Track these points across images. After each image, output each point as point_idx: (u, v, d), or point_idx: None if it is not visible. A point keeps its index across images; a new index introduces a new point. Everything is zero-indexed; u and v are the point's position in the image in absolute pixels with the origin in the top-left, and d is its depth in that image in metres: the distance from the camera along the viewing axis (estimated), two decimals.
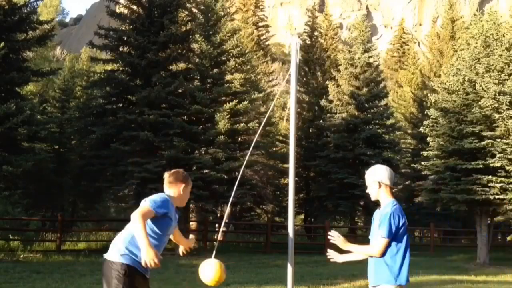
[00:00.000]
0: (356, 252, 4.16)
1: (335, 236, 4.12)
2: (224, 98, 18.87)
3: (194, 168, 18.16)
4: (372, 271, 4.09)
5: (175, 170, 4.28)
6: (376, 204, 4.40)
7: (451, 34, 33.66)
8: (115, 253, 3.86)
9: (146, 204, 3.82)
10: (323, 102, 26.02)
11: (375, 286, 4.08)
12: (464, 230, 25.38)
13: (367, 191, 4.25)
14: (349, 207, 24.57)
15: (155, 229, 3.91)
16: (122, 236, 3.92)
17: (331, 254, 4.28)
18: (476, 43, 19.58)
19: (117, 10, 20.77)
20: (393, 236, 3.97)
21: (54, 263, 14.18)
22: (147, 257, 3.56)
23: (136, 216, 3.67)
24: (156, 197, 3.92)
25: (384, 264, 3.99)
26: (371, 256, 4.06)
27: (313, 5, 46.63)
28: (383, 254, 3.97)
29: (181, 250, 4.22)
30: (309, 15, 33.63)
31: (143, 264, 3.64)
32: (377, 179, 4.15)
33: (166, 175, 4.23)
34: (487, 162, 17.68)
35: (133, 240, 3.80)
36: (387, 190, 4.17)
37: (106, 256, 3.92)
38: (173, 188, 4.13)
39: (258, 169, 23.18)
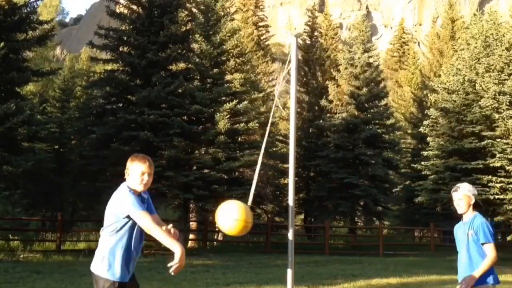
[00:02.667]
0: (483, 269, 4.60)
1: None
2: (224, 98, 18.86)
3: (194, 168, 18.17)
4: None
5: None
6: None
7: (451, 34, 33.67)
8: (103, 268, 3.77)
9: (137, 210, 3.68)
10: (323, 102, 26.03)
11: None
12: None
13: (455, 204, 4.68)
14: (349, 207, 24.58)
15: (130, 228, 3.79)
16: (109, 249, 3.78)
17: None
18: (476, 43, 19.60)
19: (117, 10, 20.76)
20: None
21: (54, 263, 14.17)
22: (183, 260, 3.57)
23: (149, 224, 3.64)
24: (126, 200, 3.72)
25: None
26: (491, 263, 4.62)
27: (313, 5, 46.59)
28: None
29: (172, 269, 3.67)
30: (309, 15, 33.61)
31: (174, 268, 3.57)
32: (469, 194, 4.62)
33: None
34: (487, 162, 17.70)
35: (118, 252, 3.74)
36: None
37: (93, 269, 3.84)
38: (126, 175, 3.93)
39: None
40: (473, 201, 4.59)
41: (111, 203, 3.80)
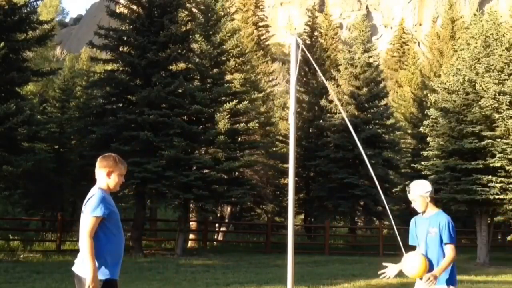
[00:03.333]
0: (443, 268, 4.48)
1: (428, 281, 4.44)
2: (224, 98, 18.86)
3: (194, 168, 18.16)
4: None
5: (103, 155, 4.15)
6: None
7: (451, 34, 33.65)
8: (85, 268, 3.81)
9: (89, 217, 3.84)
10: (323, 102, 26.03)
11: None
12: (464, 230, 25.36)
13: (412, 205, 4.65)
14: (349, 207, 24.58)
15: (112, 228, 3.91)
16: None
17: (388, 271, 4.74)
18: (476, 43, 19.59)
19: (117, 10, 20.75)
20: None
21: (54, 263, 14.18)
22: (93, 283, 3.69)
23: (84, 235, 3.79)
24: (92, 203, 3.86)
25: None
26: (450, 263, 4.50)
27: (313, 5, 46.61)
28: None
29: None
30: (309, 15, 33.63)
31: None
32: (422, 194, 4.56)
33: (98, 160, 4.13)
34: (487, 162, 17.69)
35: (99, 252, 3.82)
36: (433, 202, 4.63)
37: (77, 271, 3.90)
38: (99, 175, 4.05)
39: (258, 169, 23.17)
40: (429, 199, 4.52)
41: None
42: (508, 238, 21.60)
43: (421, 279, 4.37)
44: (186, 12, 20.12)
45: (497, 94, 17.78)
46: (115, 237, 3.92)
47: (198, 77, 19.66)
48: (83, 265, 3.81)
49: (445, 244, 4.44)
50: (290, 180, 4.51)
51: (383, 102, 26.91)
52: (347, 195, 23.84)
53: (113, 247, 3.90)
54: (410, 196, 4.59)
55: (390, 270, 4.65)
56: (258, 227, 26.59)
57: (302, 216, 28.91)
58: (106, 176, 4.00)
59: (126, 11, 19.85)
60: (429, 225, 4.50)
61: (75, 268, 3.92)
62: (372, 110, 25.64)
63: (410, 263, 4.39)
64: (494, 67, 18.50)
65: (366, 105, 25.27)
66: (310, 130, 28.13)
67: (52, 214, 21.39)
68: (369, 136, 24.19)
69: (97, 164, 4.05)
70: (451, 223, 4.48)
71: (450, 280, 4.53)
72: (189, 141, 17.65)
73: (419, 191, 4.54)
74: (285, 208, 24.19)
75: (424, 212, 4.58)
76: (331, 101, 25.76)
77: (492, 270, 16.21)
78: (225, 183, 18.59)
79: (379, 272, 4.74)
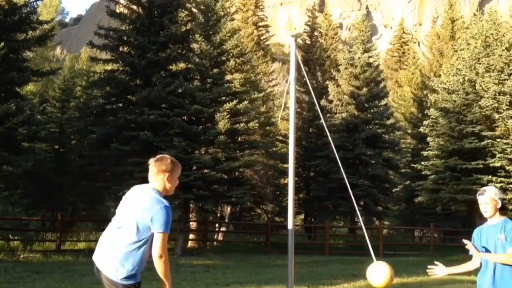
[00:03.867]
0: (497, 259, 4.39)
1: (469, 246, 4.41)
2: (224, 98, 18.86)
3: (194, 168, 18.16)
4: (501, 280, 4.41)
5: (159, 156, 3.86)
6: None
7: (451, 34, 33.66)
8: (122, 273, 3.61)
9: (160, 233, 3.56)
10: (323, 102, 26.03)
11: None
12: (464, 230, 25.35)
13: (481, 208, 4.56)
14: (349, 207, 24.56)
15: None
16: (126, 255, 3.63)
17: (436, 269, 4.58)
18: (476, 43, 19.60)
19: (117, 10, 20.75)
20: None
21: (54, 263, 14.18)
22: None
23: (157, 254, 3.57)
24: (163, 217, 3.57)
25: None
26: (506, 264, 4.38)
27: (313, 5, 46.59)
28: None
29: None
30: (309, 15, 33.62)
31: None
32: (496, 198, 4.50)
33: (151, 163, 3.82)
34: (487, 162, 17.70)
35: (139, 260, 3.66)
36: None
37: (112, 276, 3.62)
38: (158, 180, 3.77)
39: (258, 169, 23.17)
40: (499, 205, 4.47)
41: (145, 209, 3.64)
42: None
43: None
44: (186, 12, 20.13)
45: (497, 94, 17.80)
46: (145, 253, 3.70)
47: (198, 77, 19.66)
48: (118, 267, 3.60)
49: (508, 247, 4.33)
50: (290, 180, 4.51)
51: (383, 102, 26.91)
52: (347, 195, 23.83)
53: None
54: (483, 199, 4.51)
55: (439, 270, 4.60)
56: (258, 227, 26.59)
57: (302, 216, 28.91)
58: (166, 180, 3.74)
59: (126, 11, 19.86)
60: (498, 232, 4.42)
61: (110, 274, 3.64)
62: (372, 110, 25.64)
63: (377, 273, 4.29)
64: (494, 67, 18.52)
65: (366, 105, 25.27)
66: (310, 130, 28.13)
67: (52, 214, 21.38)
68: (369, 136, 24.20)
69: (156, 168, 3.74)
70: None
71: None
72: (189, 141, 17.65)
73: (493, 194, 4.48)
74: (285, 208, 24.19)
75: (491, 217, 4.52)
76: (331, 101, 25.77)
77: None
78: (225, 183, 18.59)
79: (428, 267, 4.70)
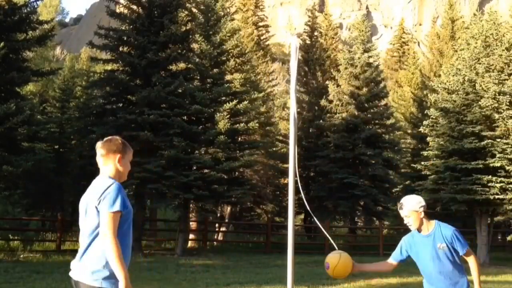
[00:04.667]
0: (478, 280, 4.31)
1: None
2: (224, 98, 18.86)
3: (194, 168, 18.16)
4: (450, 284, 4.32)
5: (107, 138, 3.50)
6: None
7: (451, 34, 33.64)
8: (94, 276, 3.23)
9: (108, 212, 3.18)
10: (323, 102, 26.03)
11: None
12: (464, 230, 25.33)
13: (405, 222, 4.36)
14: (349, 207, 24.57)
15: (125, 227, 3.32)
16: (97, 255, 3.25)
17: None
18: (476, 43, 19.58)
19: (117, 10, 20.75)
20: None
21: (54, 263, 14.18)
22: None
23: (106, 236, 3.14)
24: (111, 195, 3.22)
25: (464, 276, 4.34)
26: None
27: (313, 5, 46.57)
28: None
29: None
30: (309, 15, 33.60)
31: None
32: (416, 209, 4.30)
33: (98, 146, 3.46)
34: (487, 162, 17.68)
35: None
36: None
37: (76, 277, 3.29)
38: (108, 164, 3.41)
39: (258, 169, 23.18)
40: (422, 214, 4.24)
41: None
42: (508, 238, 21.62)
43: None
44: (186, 12, 20.13)
45: (497, 94, 17.78)
46: (126, 238, 3.33)
47: (198, 77, 19.66)
48: (83, 269, 3.26)
49: (463, 254, 4.22)
50: (290, 180, 4.50)
51: (383, 102, 26.91)
52: (347, 195, 23.84)
53: (124, 249, 3.26)
54: (403, 213, 4.28)
55: None
56: (258, 227, 26.59)
57: (302, 216, 28.90)
58: (117, 162, 3.41)
59: (126, 11, 19.86)
60: (435, 242, 4.24)
61: (74, 274, 3.32)
62: (372, 110, 25.65)
63: (331, 259, 4.21)
64: (494, 67, 18.50)
65: (366, 105, 25.28)
66: (310, 130, 28.13)
67: (52, 214, 21.39)
68: (369, 136, 24.20)
69: (104, 148, 3.42)
70: (457, 232, 4.27)
71: None
72: (189, 141, 17.65)
73: (412, 206, 4.25)
74: (285, 208, 24.20)
75: (419, 229, 4.30)
76: (331, 101, 25.77)
77: (492, 270, 16.20)
78: (225, 183, 18.59)
79: None
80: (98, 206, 3.23)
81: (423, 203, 4.30)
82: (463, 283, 4.28)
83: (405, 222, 4.33)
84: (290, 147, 4.52)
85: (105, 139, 3.49)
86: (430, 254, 4.25)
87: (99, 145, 3.45)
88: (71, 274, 3.35)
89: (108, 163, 3.43)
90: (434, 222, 4.33)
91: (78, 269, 3.30)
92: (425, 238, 4.29)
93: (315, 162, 25.35)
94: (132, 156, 3.59)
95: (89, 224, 3.30)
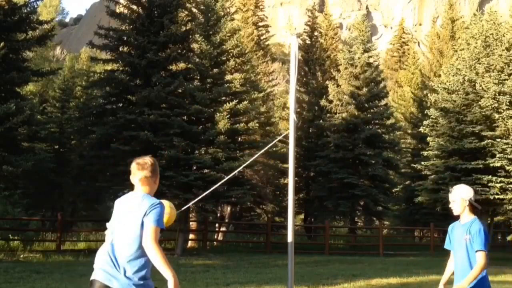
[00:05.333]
0: (472, 277, 4.46)
1: None
2: (224, 98, 18.85)
3: (194, 168, 18.16)
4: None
5: (149, 160, 3.73)
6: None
7: (451, 34, 33.67)
8: (129, 284, 3.54)
9: (153, 226, 3.49)
10: (323, 102, 26.03)
11: None
12: None
13: (450, 205, 4.72)
14: (349, 207, 24.58)
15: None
16: (134, 260, 3.57)
17: None
18: (476, 43, 19.59)
19: (117, 10, 20.75)
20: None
21: (54, 263, 14.18)
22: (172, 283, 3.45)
23: (150, 244, 3.45)
24: (158, 212, 3.54)
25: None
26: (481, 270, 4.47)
27: (313, 5, 46.59)
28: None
29: None
30: (309, 15, 33.61)
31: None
32: (464, 197, 4.61)
33: (139, 167, 3.69)
34: (487, 162, 17.69)
35: (146, 264, 3.60)
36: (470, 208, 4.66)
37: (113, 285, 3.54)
38: (150, 182, 3.69)
39: (258, 169, 23.17)
40: (467, 203, 4.57)
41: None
42: (508, 238, 21.61)
43: None
44: (186, 12, 20.13)
45: (497, 94, 17.79)
46: None
47: (198, 77, 19.65)
48: (126, 275, 3.54)
49: (476, 251, 4.45)
50: (290, 180, 4.51)
51: (383, 102, 26.92)
52: (347, 195, 23.84)
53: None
54: (452, 196, 4.66)
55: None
56: (258, 227, 26.59)
57: (302, 216, 28.91)
58: (154, 183, 3.69)
59: (126, 11, 19.85)
60: (464, 232, 4.55)
61: (111, 281, 3.56)
62: (372, 110, 25.65)
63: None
64: (494, 67, 18.51)
65: (366, 105, 25.28)
66: (310, 130, 28.13)
67: (52, 214, 21.37)
68: (369, 136, 24.20)
69: (151, 171, 3.65)
70: (484, 230, 4.50)
71: None
72: (189, 141, 17.65)
73: (461, 194, 4.60)
74: (285, 208, 24.19)
75: (460, 216, 4.64)
76: (331, 101, 25.77)
77: (492, 270, 16.16)
78: (225, 183, 18.57)
79: None
80: (145, 219, 3.52)
81: (471, 195, 4.61)
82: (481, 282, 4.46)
83: (450, 205, 4.69)
84: (290, 147, 4.53)
85: (147, 161, 3.70)
86: (458, 242, 4.59)
87: (144, 167, 3.66)
88: (104, 280, 3.58)
89: (150, 183, 3.69)
90: (473, 217, 4.61)
91: (120, 277, 3.55)
92: (461, 226, 4.64)
93: (315, 162, 25.35)
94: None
95: (130, 235, 3.56)
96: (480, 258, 4.42)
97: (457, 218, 4.75)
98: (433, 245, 23.43)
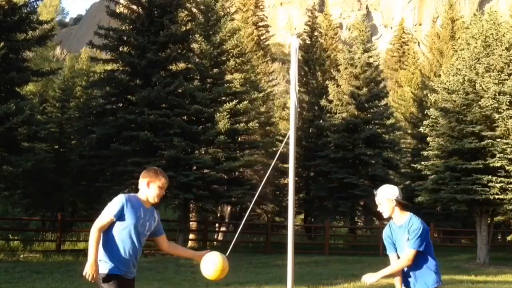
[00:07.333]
0: (390, 271, 4.35)
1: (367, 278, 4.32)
2: (224, 98, 18.86)
3: (194, 168, 18.16)
4: (415, 279, 4.40)
5: (148, 168, 4.45)
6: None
7: (451, 34, 33.65)
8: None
9: (102, 213, 4.05)
10: (323, 102, 26.03)
11: None
12: (464, 230, 25.36)
13: (378, 209, 4.48)
14: (349, 207, 24.57)
15: (119, 232, 4.05)
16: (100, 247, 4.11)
17: (365, 277, 4.43)
18: (476, 43, 19.57)
19: (117, 10, 20.77)
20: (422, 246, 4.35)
21: (54, 263, 14.18)
22: (89, 269, 3.89)
23: (93, 228, 3.98)
24: (110, 203, 4.10)
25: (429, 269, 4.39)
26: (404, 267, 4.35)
27: (313, 5, 46.65)
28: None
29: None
30: (309, 15, 33.62)
31: (84, 274, 3.89)
32: (389, 197, 4.40)
33: (166, 180, 4.36)
34: (487, 162, 17.67)
35: (106, 248, 4.02)
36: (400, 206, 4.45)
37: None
38: (140, 186, 4.24)
39: (258, 169, 23.17)
40: (394, 203, 4.34)
41: None
42: (508, 238, 21.59)
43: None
44: (186, 12, 20.14)
45: (497, 94, 17.77)
46: (122, 242, 4.05)
47: (198, 77, 19.66)
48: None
49: (408, 248, 4.27)
50: (290, 180, 4.51)
51: (383, 102, 26.91)
52: (347, 195, 23.84)
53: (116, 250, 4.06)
54: (377, 200, 4.42)
55: (368, 277, 4.35)
56: (258, 227, 26.59)
57: (302, 216, 28.91)
58: (146, 186, 4.17)
59: (126, 11, 19.87)
60: (405, 233, 4.34)
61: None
62: (372, 110, 25.64)
63: (207, 264, 4.29)
64: (494, 67, 18.50)
65: (366, 105, 25.27)
66: (310, 130, 28.14)
67: (52, 214, 21.37)
68: (369, 136, 24.20)
69: (140, 176, 4.25)
70: (423, 228, 4.31)
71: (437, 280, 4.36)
72: (189, 141, 17.65)
73: (385, 195, 4.37)
74: (285, 208, 24.19)
75: (393, 218, 4.43)
76: (331, 101, 25.77)
77: (492, 270, 16.20)
78: (225, 183, 18.60)
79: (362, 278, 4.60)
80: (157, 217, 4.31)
81: (396, 193, 4.37)
82: (429, 280, 4.35)
83: (378, 209, 4.45)
84: (290, 147, 4.52)
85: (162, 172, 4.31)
86: (401, 244, 4.38)
87: (166, 180, 4.28)
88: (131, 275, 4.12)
89: (140, 186, 4.33)
90: (408, 214, 4.41)
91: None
92: (398, 228, 4.42)
93: (315, 162, 25.35)
94: (164, 184, 4.33)
95: (147, 231, 4.20)
96: (408, 255, 4.26)
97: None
98: (433, 245, 23.37)
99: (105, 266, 3.97)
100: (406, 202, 4.55)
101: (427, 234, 4.35)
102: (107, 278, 3.96)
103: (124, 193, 4.21)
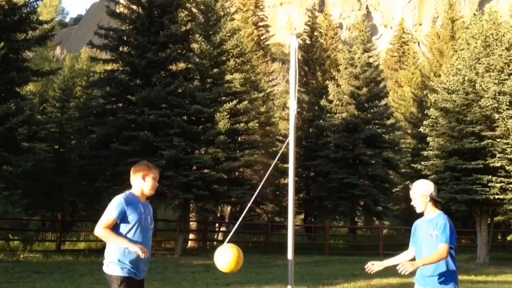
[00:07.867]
0: (430, 260, 4.38)
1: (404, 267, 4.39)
2: (224, 98, 18.86)
3: (194, 168, 18.16)
4: (431, 276, 4.45)
5: (136, 164, 4.54)
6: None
7: (451, 34, 33.64)
8: (110, 266, 4.20)
9: (103, 216, 4.23)
10: (323, 102, 26.03)
11: None
12: (464, 230, 25.36)
13: (412, 203, 4.58)
14: (349, 207, 24.58)
15: (126, 233, 4.21)
16: (111, 248, 4.25)
17: (371, 266, 4.61)
18: (476, 43, 19.57)
19: (117, 10, 20.75)
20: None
21: (54, 263, 14.19)
22: (138, 249, 4.04)
23: (97, 230, 4.17)
24: (110, 205, 4.26)
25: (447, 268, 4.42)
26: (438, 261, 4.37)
27: (313, 5, 46.65)
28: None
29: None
30: (309, 15, 33.61)
31: (141, 256, 4.04)
32: (424, 193, 4.49)
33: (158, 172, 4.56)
34: (487, 162, 17.67)
35: (118, 250, 4.16)
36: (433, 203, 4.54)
37: (104, 269, 4.26)
38: (135, 181, 4.42)
39: (258, 169, 23.17)
40: (429, 199, 4.46)
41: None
42: (508, 238, 21.61)
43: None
44: (186, 12, 20.13)
45: (497, 94, 17.78)
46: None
47: (198, 77, 19.65)
48: (106, 262, 4.20)
49: (440, 243, 4.34)
50: (290, 180, 4.51)
51: (383, 102, 26.92)
52: (347, 195, 23.84)
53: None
54: (411, 194, 4.55)
55: (374, 266, 4.63)
56: (258, 227, 26.59)
57: (302, 216, 28.91)
58: (141, 179, 4.35)
59: (126, 11, 19.86)
60: (431, 228, 4.43)
61: (104, 268, 4.26)
62: (372, 110, 25.65)
63: (222, 256, 4.39)
64: (494, 67, 18.50)
65: (366, 105, 25.27)
66: (310, 130, 28.14)
67: (52, 214, 21.37)
68: (369, 136, 24.20)
69: (131, 172, 4.40)
70: (450, 225, 4.38)
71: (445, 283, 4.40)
72: (189, 141, 17.65)
73: (421, 189, 4.49)
74: (285, 208, 24.20)
75: (424, 213, 4.54)
76: (331, 101, 25.77)
77: (492, 270, 16.20)
78: (225, 183, 18.60)
79: (365, 266, 4.68)
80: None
81: (431, 190, 4.48)
82: (447, 277, 4.39)
83: (412, 202, 4.56)
84: (290, 147, 4.52)
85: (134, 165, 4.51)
86: (424, 238, 4.48)
87: (158, 171, 4.52)
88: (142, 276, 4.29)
89: (134, 181, 4.58)
90: (438, 212, 4.50)
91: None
92: (425, 222, 4.54)
93: (315, 162, 25.35)
94: (157, 175, 4.56)
95: (150, 224, 4.41)
96: (442, 249, 4.33)
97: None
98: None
99: (117, 269, 4.09)
100: (440, 199, 4.63)
101: (454, 233, 4.41)
102: (120, 280, 4.07)
103: (120, 193, 4.33)
